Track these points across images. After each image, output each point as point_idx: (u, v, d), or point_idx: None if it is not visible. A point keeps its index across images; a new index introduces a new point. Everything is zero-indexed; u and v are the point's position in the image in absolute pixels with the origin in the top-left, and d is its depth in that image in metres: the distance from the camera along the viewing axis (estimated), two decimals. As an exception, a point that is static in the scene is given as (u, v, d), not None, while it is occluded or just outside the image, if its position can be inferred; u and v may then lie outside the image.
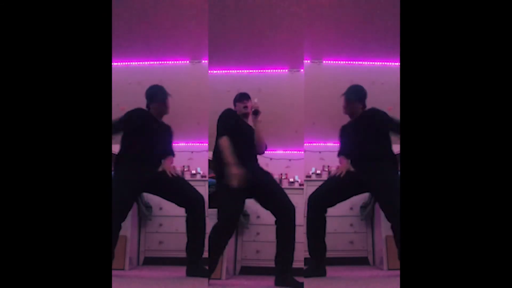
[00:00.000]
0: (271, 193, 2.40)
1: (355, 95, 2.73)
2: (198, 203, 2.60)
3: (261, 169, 2.52)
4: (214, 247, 2.34)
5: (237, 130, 2.44)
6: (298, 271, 2.56)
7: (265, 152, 2.60)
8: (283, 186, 3.23)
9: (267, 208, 2.44)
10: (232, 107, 2.62)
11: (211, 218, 2.67)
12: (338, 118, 2.97)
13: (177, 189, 2.62)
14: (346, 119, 2.88)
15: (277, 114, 3.52)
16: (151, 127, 2.69)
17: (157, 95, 2.74)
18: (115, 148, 3.43)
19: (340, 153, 2.75)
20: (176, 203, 2.68)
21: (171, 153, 2.75)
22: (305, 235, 2.66)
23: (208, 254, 2.36)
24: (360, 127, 2.67)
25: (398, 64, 3.69)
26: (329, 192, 2.60)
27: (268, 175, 2.51)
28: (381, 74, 3.73)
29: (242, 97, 2.54)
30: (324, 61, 3.78)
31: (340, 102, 2.82)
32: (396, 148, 3.35)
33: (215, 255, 2.39)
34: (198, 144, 3.90)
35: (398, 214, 2.57)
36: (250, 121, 2.54)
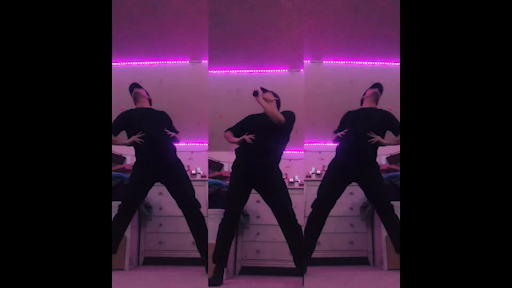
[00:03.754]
0: (275, 192, 2.47)
1: (381, 88, 2.96)
2: (195, 209, 2.69)
3: (276, 168, 2.55)
4: (223, 238, 2.44)
5: (250, 128, 2.56)
6: (294, 270, 2.57)
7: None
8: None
9: (268, 205, 2.53)
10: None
11: (211, 218, 2.67)
12: (338, 118, 2.98)
13: (181, 189, 2.73)
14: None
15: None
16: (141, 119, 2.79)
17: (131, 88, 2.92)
18: (115, 148, 3.44)
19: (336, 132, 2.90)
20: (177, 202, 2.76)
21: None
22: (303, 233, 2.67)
23: (216, 247, 2.42)
24: (370, 119, 2.83)
25: (398, 64, 3.70)
26: (326, 192, 2.76)
27: (279, 175, 2.55)
28: (381, 74, 3.74)
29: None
30: (324, 61, 3.78)
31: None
32: (395, 148, 3.36)
33: (225, 247, 2.45)
34: (198, 144, 3.91)
35: (389, 210, 2.68)
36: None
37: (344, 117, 2.94)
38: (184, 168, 2.84)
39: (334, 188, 2.80)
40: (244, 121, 2.64)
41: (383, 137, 2.80)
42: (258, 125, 2.55)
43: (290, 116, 2.54)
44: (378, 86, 2.94)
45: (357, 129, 2.77)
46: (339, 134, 2.81)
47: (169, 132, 2.75)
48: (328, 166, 2.89)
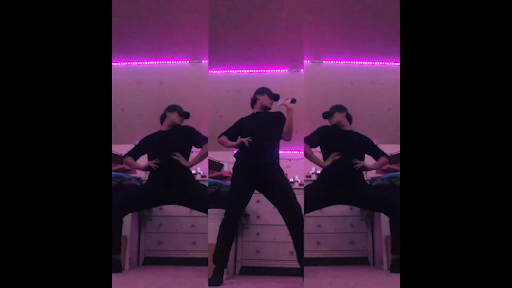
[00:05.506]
0: (279, 191, 2.47)
1: (337, 108, 2.94)
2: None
3: (277, 167, 2.56)
4: (224, 239, 2.43)
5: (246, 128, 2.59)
6: (294, 270, 2.57)
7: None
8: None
9: (274, 205, 2.53)
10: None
11: (211, 218, 2.67)
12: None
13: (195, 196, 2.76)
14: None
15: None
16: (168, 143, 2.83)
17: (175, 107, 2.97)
18: (115, 148, 3.44)
19: (311, 143, 2.88)
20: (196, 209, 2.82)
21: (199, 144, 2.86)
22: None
23: (217, 247, 2.42)
24: (351, 143, 2.83)
25: (398, 64, 3.69)
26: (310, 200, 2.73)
27: (281, 173, 2.56)
28: (381, 74, 3.74)
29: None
30: (324, 61, 3.78)
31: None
32: (395, 148, 3.37)
33: (226, 248, 2.45)
34: (198, 144, 3.90)
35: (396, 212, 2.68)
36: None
37: (323, 132, 2.91)
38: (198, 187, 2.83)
39: (323, 201, 2.82)
40: (236, 125, 2.65)
41: (362, 160, 2.81)
42: (252, 126, 2.56)
43: (283, 119, 2.56)
44: (344, 110, 2.91)
45: (342, 153, 2.76)
46: (333, 157, 2.77)
47: (175, 156, 2.75)
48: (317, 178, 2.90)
